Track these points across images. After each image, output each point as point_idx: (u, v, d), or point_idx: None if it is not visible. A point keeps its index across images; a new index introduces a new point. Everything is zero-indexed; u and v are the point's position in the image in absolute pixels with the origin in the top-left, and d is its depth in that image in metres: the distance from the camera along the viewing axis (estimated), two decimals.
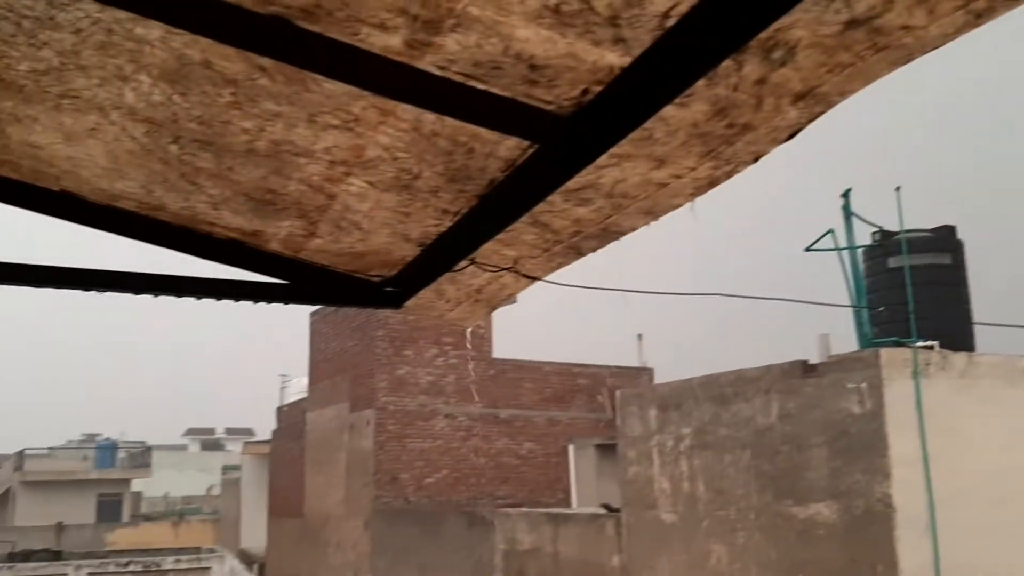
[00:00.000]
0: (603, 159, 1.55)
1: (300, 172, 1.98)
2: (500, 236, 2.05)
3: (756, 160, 1.51)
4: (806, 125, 1.42)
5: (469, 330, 18.22)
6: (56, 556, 18.13)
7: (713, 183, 1.59)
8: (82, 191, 2.35)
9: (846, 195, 9.67)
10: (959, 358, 8.16)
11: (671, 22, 1.24)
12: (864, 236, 11.07)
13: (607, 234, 1.89)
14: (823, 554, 8.10)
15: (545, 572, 12.11)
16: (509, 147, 1.65)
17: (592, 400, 20.08)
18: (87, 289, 2.43)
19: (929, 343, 8.78)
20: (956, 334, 11.04)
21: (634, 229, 1.85)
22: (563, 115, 1.49)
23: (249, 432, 58.19)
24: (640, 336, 21.38)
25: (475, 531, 14.12)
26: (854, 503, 7.84)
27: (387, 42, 1.40)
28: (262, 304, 2.64)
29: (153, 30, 1.52)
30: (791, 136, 1.45)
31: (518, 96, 1.47)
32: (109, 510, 38.07)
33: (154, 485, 46.73)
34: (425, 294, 2.60)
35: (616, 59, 1.33)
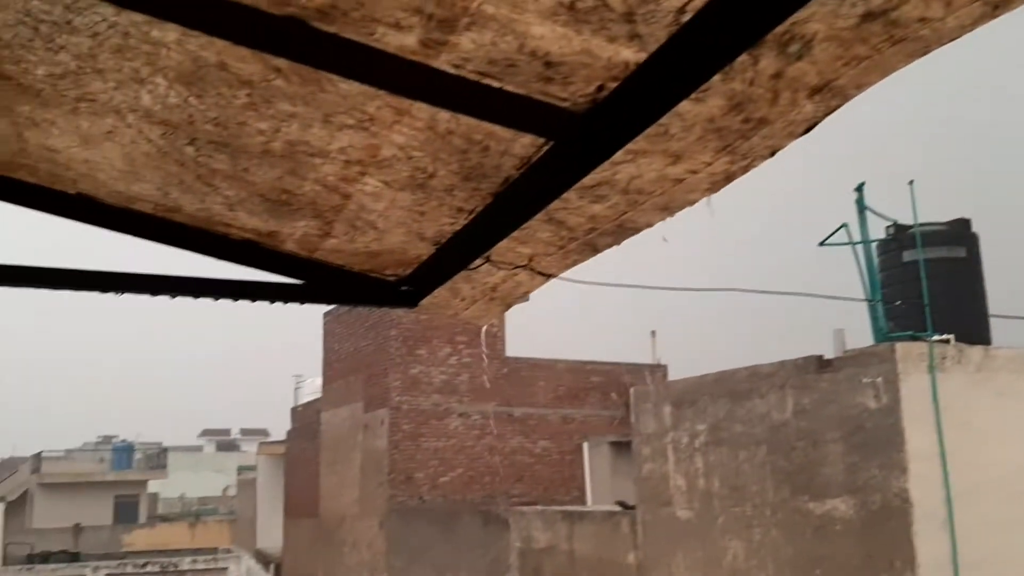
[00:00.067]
0: (618, 155, 1.55)
1: (315, 172, 1.99)
2: (515, 234, 2.05)
3: (772, 154, 1.51)
4: (822, 119, 1.41)
5: (484, 328, 18.24)
6: (74, 558, 18.24)
7: (729, 178, 1.59)
8: (99, 194, 2.37)
9: (859, 189, 9.63)
10: (975, 352, 8.12)
11: (686, 17, 1.24)
12: (878, 230, 11.03)
13: (622, 230, 1.89)
14: (840, 550, 8.08)
15: (561, 570, 12.12)
16: (524, 145, 1.65)
17: (606, 398, 20.06)
18: (105, 291, 2.45)
19: (945, 337, 8.74)
20: (972, 328, 10.98)
21: (650, 225, 1.85)
22: (578, 112, 1.49)
23: (264, 433, 58.42)
24: (653, 333, 21.36)
25: (490, 530, 14.13)
26: (871, 498, 7.81)
27: (402, 41, 1.40)
28: (278, 304, 2.65)
29: (169, 33, 1.52)
30: (807, 130, 1.44)
31: (533, 93, 1.47)
32: (126, 511, 38.29)
33: (170, 486, 46.99)
34: (440, 293, 2.61)
35: (631, 55, 1.33)
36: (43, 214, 2.44)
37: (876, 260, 10.75)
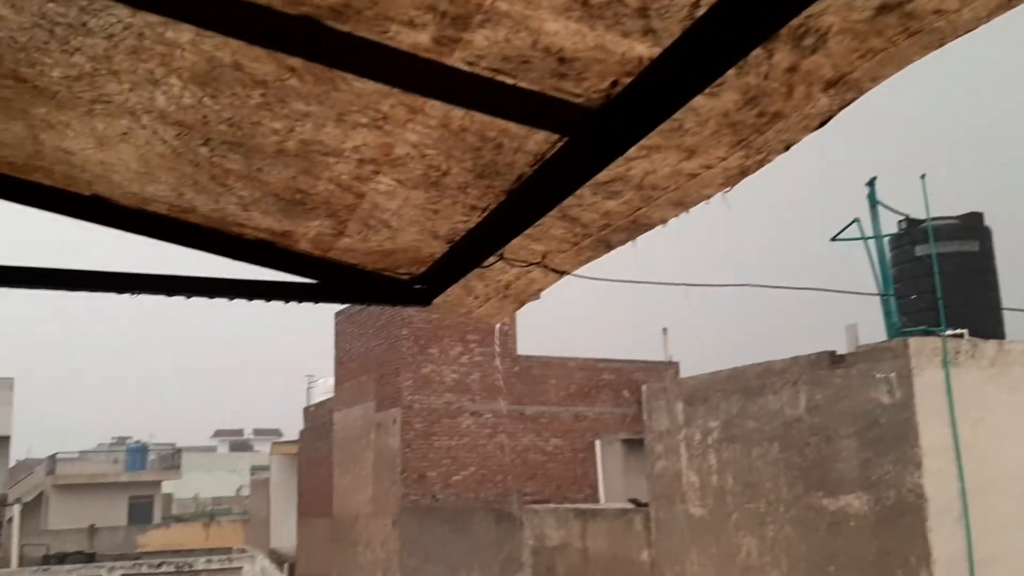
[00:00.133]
0: (633, 151, 1.55)
1: (329, 172, 1.99)
2: (529, 231, 2.05)
3: (787, 149, 1.50)
4: (837, 112, 1.41)
5: (498, 327, 18.25)
6: (90, 558, 18.34)
7: (744, 173, 1.59)
8: (114, 195, 2.38)
9: (871, 184, 9.59)
10: (989, 346, 8.08)
11: (701, 11, 1.24)
12: (890, 225, 10.98)
13: (637, 226, 1.89)
14: (854, 546, 8.05)
15: (574, 568, 12.11)
16: (538, 141, 1.65)
17: (618, 395, 20.04)
18: (120, 292, 2.46)
19: (958, 331, 8.70)
20: (985, 322, 10.94)
21: (664, 221, 1.84)
22: (592, 108, 1.49)
23: (277, 433, 58.59)
24: (665, 330, 21.32)
25: (503, 528, 14.14)
26: (885, 494, 7.78)
27: (416, 39, 1.40)
28: (292, 304, 2.66)
29: (184, 33, 1.53)
30: (822, 124, 1.44)
31: (547, 90, 1.48)
32: (140, 512, 38.45)
33: (184, 487, 47.17)
34: (453, 291, 2.61)
35: (646, 50, 1.33)
36: (59, 216, 2.46)
37: (888, 255, 10.72)
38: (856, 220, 9.45)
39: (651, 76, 1.37)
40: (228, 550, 19.60)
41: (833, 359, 8.44)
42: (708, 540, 9.73)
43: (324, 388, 25.05)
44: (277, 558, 24.91)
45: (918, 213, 10.76)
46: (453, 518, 16.48)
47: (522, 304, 2.63)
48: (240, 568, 16.11)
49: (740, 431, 9.35)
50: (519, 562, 13.51)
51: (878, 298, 9.63)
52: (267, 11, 1.37)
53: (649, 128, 1.46)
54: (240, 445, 70.00)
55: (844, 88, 1.35)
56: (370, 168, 1.94)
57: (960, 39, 1.29)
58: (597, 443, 17.81)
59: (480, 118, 1.62)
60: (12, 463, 30.38)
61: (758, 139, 1.48)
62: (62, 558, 18.39)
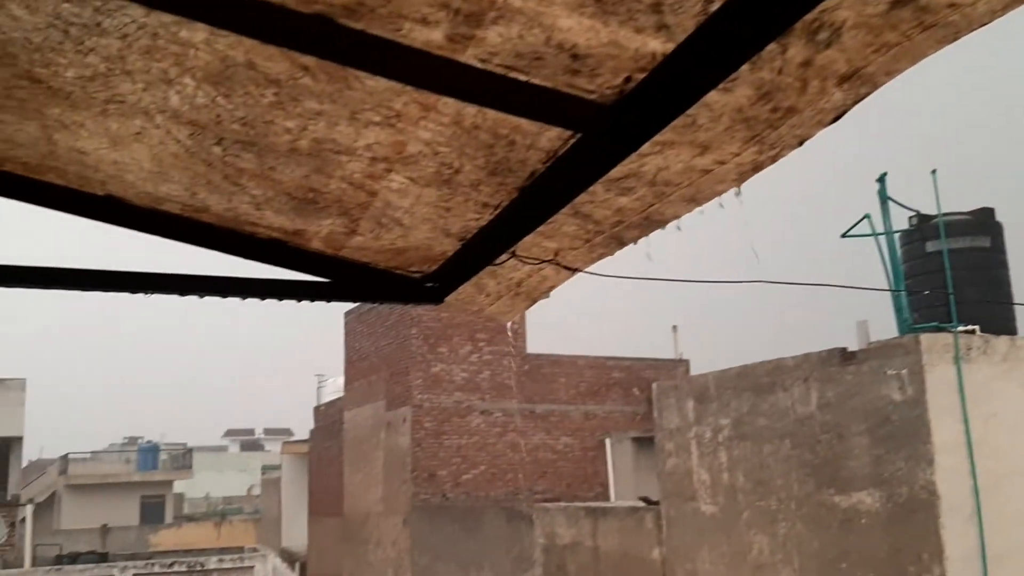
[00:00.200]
0: (646, 147, 1.55)
1: (342, 170, 2.00)
2: (541, 228, 2.06)
3: (801, 144, 1.50)
4: (852, 107, 1.41)
5: (510, 325, 18.26)
6: (102, 558, 18.42)
7: (757, 168, 1.58)
8: (127, 195, 2.39)
9: (881, 180, 9.56)
10: (1001, 342, 8.05)
11: (714, 6, 1.24)
12: (901, 221, 10.94)
13: (649, 223, 1.89)
14: (866, 543, 8.03)
15: (585, 566, 12.12)
16: (550, 138, 1.65)
17: (628, 393, 20.03)
18: (134, 292, 2.47)
19: (970, 327, 8.67)
20: (997, 317, 10.90)
21: (677, 217, 1.84)
22: (605, 104, 1.49)
23: (287, 432, 58.72)
24: (675, 328, 21.30)
25: (514, 526, 14.15)
26: (897, 491, 7.76)
27: (429, 37, 1.40)
28: (305, 303, 2.67)
29: (198, 33, 1.54)
30: (836, 119, 1.44)
31: (560, 86, 1.48)
32: (152, 512, 38.61)
33: (195, 486, 47.35)
34: (465, 289, 2.61)
35: (659, 46, 1.33)
36: (72, 216, 2.47)
37: (899, 251, 10.68)
38: (867, 216, 9.43)
39: (664, 72, 1.37)
40: (240, 549, 19.67)
41: (844, 356, 8.42)
42: (719, 538, 9.72)
43: (334, 387, 25.10)
44: (288, 557, 24.98)
45: (929, 209, 10.73)
46: (463, 517, 16.50)
47: (534, 302, 2.64)
48: (252, 567, 16.16)
49: (751, 428, 9.34)
50: (530, 560, 13.52)
51: (889, 295, 9.60)
52: (281, 10, 1.38)
53: (662, 124, 1.46)
54: (251, 445, 70.20)
55: (858, 82, 1.35)
56: (382, 166, 1.94)
57: (974, 33, 1.29)
58: (607, 441, 17.80)
59: (493, 115, 1.62)
60: (24, 463, 30.53)
61: (772, 134, 1.48)
62: (75, 558, 18.48)
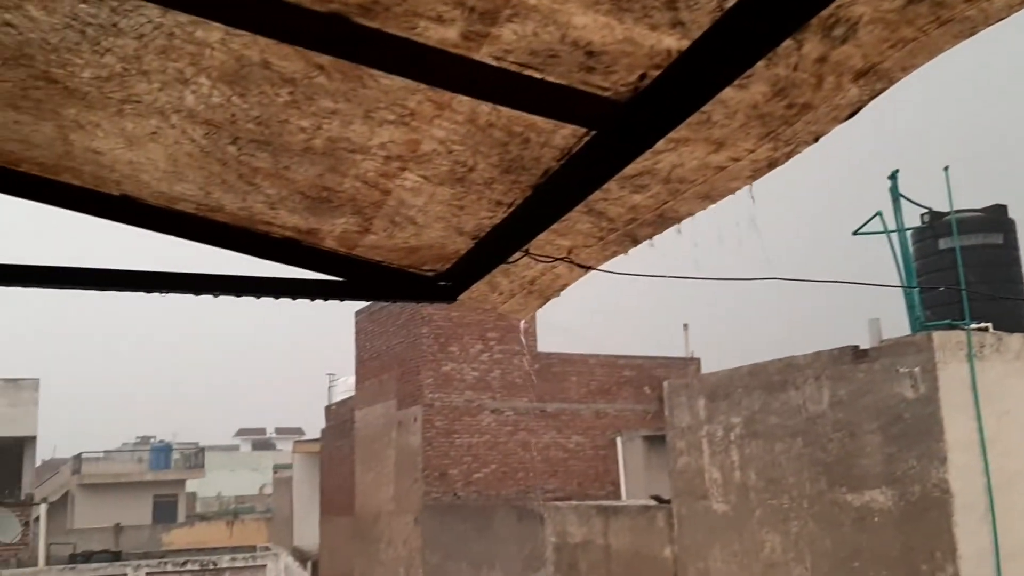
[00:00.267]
0: (660, 144, 1.55)
1: (356, 169, 2.00)
2: (554, 226, 2.06)
3: (816, 140, 1.50)
4: (867, 103, 1.41)
5: (523, 323, 18.26)
6: (116, 557, 18.51)
7: (772, 165, 1.58)
8: (142, 195, 2.40)
9: (893, 177, 9.52)
10: (1014, 339, 8.01)
11: (730, 3, 1.24)
12: (913, 218, 10.90)
13: (663, 220, 1.89)
14: (879, 541, 8.01)
15: (597, 565, 12.11)
16: (565, 135, 1.66)
17: (639, 392, 20.01)
18: (149, 291, 2.48)
19: (983, 325, 8.63)
20: (1010, 315, 10.84)
21: (691, 214, 1.84)
22: (620, 101, 1.49)
23: (299, 431, 58.85)
24: (686, 326, 21.27)
25: (525, 525, 14.15)
26: (910, 489, 7.74)
27: (444, 35, 1.41)
28: (318, 302, 2.68)
29: (213, 32, 1.54)
30: (852, 114, 1.43)
31: (574, 83, 1.48)
32: (165, 511, 38.76)
33: (208, 485, 47.49)
34: (478, 287, 2.62)
35: (674, 42, 1.33)
36: (87, 216, 2.48)
37: (912, 248, 10.64)
38: (879, 214, 9.39)
39: (680, 69, 1.37)
40: (252, 548, 19.74)
41: (856, 354, 8.40)
42: (731, 536, 9.71)
43: (345, 387, 25.15)
44: (300, 556, 25.05)
45: (941, 206, 10.68)
46: (475, 515, 16.52)
47: (547, 300, 2.64)
48: (264, 566, 16.22)
49: (763, 427, 9.32)
50: (541, 559, 13.52)
51: (901, 293, 9.56)
52: (297, 9, 1.38)
53: (677, 121, 1.46)
54: (262, 444, 70.39)
55: (874, 78, 1.35)
56: (396, 165, 1.94)
57: (991, 27, 1.28)
58: (618, 440, 17.79)
59: (507, 113, 1.62)
60: (38, 463, 30.71)
61: (787, 131, 1.48)
62: (88, 557, 18.57)
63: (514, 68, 1.46)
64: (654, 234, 1.99)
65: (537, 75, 1.47)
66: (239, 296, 2.52)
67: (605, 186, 1.76)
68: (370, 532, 20.65)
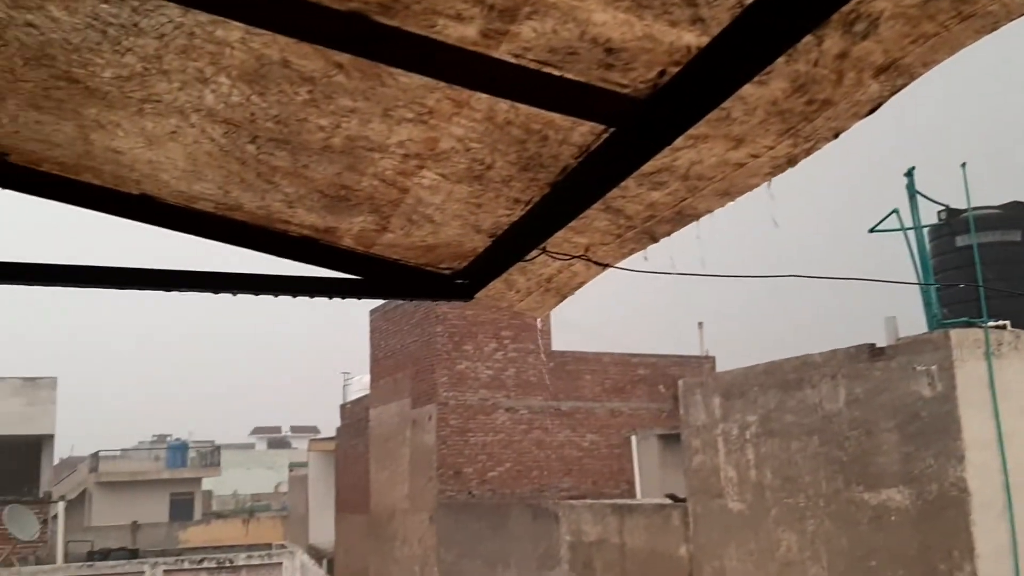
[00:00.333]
0: (679, 141, 1.55)
1: (374, 167, 2.01)
2: (572, 224, 2.06)
3: (836, 136, 1.49)
4: (888, 98, 1.40)
5: (539, 321, 18.26)
6: (133, 554, 18.63)
7: (792, 161, 1.58)
8: (161, 194, 2.42)
9: (910, 174, 9.46)
10: None
11: None
12: (930, 215, 10.83)
13: (681, 217, 1.89)
14: (896, 540, 7.97)
15: (612, 563, 12.10)
16: (583, 133, 1.66)
17: (653, 390, 19.97)
18: (169, 290, 2.50)
19: (1001, 322, 8.57)
20: None
21: (709, 211, 1.84)
22: (639, 98, 1.49)
23: (314, 430, 59.04)
24: (701, 324, 21.22)
25: (540, 523, 14.15)
26: (927, 488, 7.70)
27: (463, 33, 1.41)
28: (336, 300, 2.69)
29: (233, 32, 1.55)
30: (872, 111, 1.43)
31: (593, 80, 1.48)
32: (181, 508, 38.96)
33: (224, 483, 47.70)
34: (495, 285, 2.62)
35: (694, 39, 1.33)
36: (107, 215, 2.50)
37: (928, 246, 10.58)
38: (895, 211, 9.34)
39: (699, 65, 1.37)
40: (268, 546, 19.82)
41: (873, 352, 8.35)
42: (747, 535, 9.68)
43: (360, 385, 25.21)
44: (316, 554, 25.14)
45: (958, 203, 10.61)
46: (489, 514, 16.53)
47: (564, 298, 2.64)
48: (280, 564, 16.29)
49: (778, 425, 9.29)
50: (556, 558, 13.52)
51: (918, 292, 9.51)
52: (317, 7, 1.39)
53: (696, 118, 1.46)
54: (278, 442, 70.68)
55: (895, 74, 1.34)
56: (414, 163, 1.95)
57: (1013, 22, 1.28)
58: (633, 438, 17.76)
59: (525, 110, 1.62)
60: (56, 461, 30.91)
61: (807, 127, 1.47)
62: (106, 554, 18.70)
63: (533, 66, 1.46)
64: (672, 231, 1.99)
65: (556, 72, 1.47)
66: (257, 295, 2.53)
67: (623, 183, 1.76)
68: (385, 530, 20.70)
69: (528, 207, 2.06)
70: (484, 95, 1.60)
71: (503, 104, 1.62)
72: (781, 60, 1.32)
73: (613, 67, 1.43)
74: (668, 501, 11.58)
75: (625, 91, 1.48)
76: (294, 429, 74.85)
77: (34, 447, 25.99)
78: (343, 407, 26.88)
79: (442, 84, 1.59)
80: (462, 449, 18.39)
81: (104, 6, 1.55)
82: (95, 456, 40.72)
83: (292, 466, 40.54)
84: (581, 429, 19.35)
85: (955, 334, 7.69)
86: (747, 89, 1.39)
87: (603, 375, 19.78)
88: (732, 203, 1.79)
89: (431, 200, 2.13)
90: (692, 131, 1.51)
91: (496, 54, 1.45)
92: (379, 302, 20.91)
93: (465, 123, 1.72)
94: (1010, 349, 7.78)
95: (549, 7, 1.32)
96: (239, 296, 2.61)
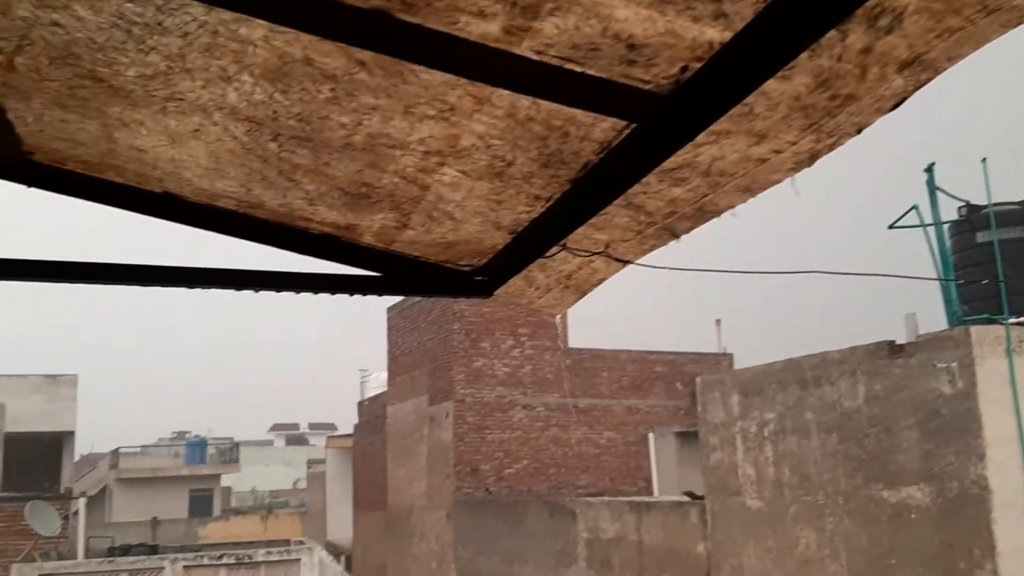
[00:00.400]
0: (701, 137, 1.54)
1: (395, 164, 2.02)
2: (592, 220, 2.06)
3: (859, 132, 1.49)
4: (912, 93, 1.39)
5: (559, 318, 18.25)
6: (153, 550, 18.76)
7: (814, 157, 1.57)
8: (183, 192, 2.43)
9: (930, 170, 9.39)
10: None
11: None
12: (950, 211, 10.75)
13: (703, 213, 1.88)
14: (916, 539, 7.92)
15: (630, 561, 12.09)
16: (604, 129, 1.66)
17: (671, 388, 19.93)
18: (192, 287, 2.52)
19: (1022, 319, 8.49)
20: None
21: (731, 207, 1.83)
22: (661, 94, 1.48)
23: (332, 427, 59.25)
24: (718, 321, 21.15)
25: (557, 520, 14.16)
26: (947, 486, 7.64)
27: (485, 29, 1.41)
28: (356, 297, 2.70)
29: (257, 30, 1.56)
30: (896, 106, 1.42)
31: (615, 77, 1.48)
32: (200, 505, 39.21)
33: (242, 480, 47.99)
34: (515, 282, 2.62)
35: (716, 34, 1.32)
36: (130, 213, 2.52)
37: (948, 242, 10.50)
38: (915, 207, 9.27)
39: (722, 61, 1.36)
40: (286, 542, 19.92)
41: (892, 349, 8.30)
42: (765, 532, 9.65)
43: (377, 382, 25.29)
44: (334, 550, 25.24)
45: (979, 199, 10.52)
46: (506, 511, 16.54)
47: (583, 295, 2.64)
48: (299, 560, 16.37)
49: (797, 422, 9.25)
50: (573, 555, 13.52)
51: (938, 289, 9.44)
52: (340, 5, 1.40)
53: (719, 113, 1.46)
54: (296, 439, 71.02)
55: (919, 69, 1.34)
56: (435, 160, 1.95)
57: None
58: (650, 436, 17.73)
59: (547, 107, 1.62)
60: (77, 458, 31.19)
61: (830, 122, 1.47)
62: (126, 550, 18.84)
63: (555, 62, 1.46)
64: (693, 228, 1.99)
65: (578, 69, 1.47)
66: (279, 291, 2.55)
67: (644, 179, 1.76)
68: (402, 527, 20.76)
69: (549, 204, 2.06)
70: (506, 92, 1.60)
71: (524, 101, 1.63)
72: (804, 55, 1.31)
73: (635, 63, 1.43)
74: (686, 499, 11.55)
75: (647, 87, 1.48)
76: (312, 426, 75.16)
77: (55, 444, 26.23)
78: (361, 404, 26.97)
79: (464, 81, 1.59)
80: (479, 446, 18.42)
81: (129, 5, 1.56)
82: (115, 453, 41.05)
83: (310, 463, 40.74)
84: (598, 426, 19.34)
85: (975, 331, 7.63)
86: (770, 84, 1.38)
87: (620, 372, 19.76)
88: (753, 199, 1.79)
89: (451, 197, 2.14)
90: (714, 127, 1.51)
91: (518, 51, 1.45)
92: (397, 299, 20.95)
93: (486, 120, 1.73)
94: None
95: (572, 3, 1.32)
96: (260, 293, 2.62)
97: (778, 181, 1.68)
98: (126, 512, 35.55)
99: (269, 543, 19.73)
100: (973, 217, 11.00)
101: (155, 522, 29.90)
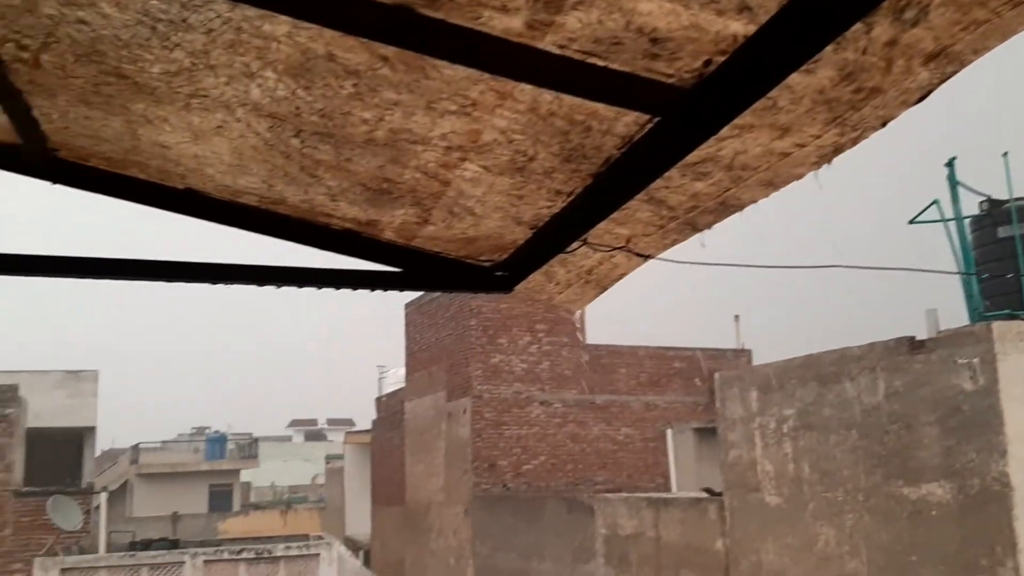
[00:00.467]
0: (724, 131, 1.54)
1: (416, 160, 2.02)
2: (614, 215, 2.05)
3: (884, 125, 1.48)
4: (937, 86, 1.38)
5: (578, 315, 18.25)
6: (174, 544, 18.88)
7: (838, 151, 1.56)
8: (206, 188, 2.45)
9: (951, 164, 9.33)
10: None
11: None
12: (971, 206, 10.66)
13: (725, 208, 1.88)
14: (936, 536, 7.87)
15: (648, 557, 12.08)
16: (627, 123, 1.65)
17: (689, 384, 19.88)
18: (215, 282, 2.53)
19: None
20: None
21: (753, 202, 1.83)
22: (684, 87, 1.48)
23: (350, 423, 59.43)
24: (737, 317, 21.08)
25: (575, 516, 14.16)
26: (968, 482, 7.60)
27: (508, 24, 1.41)
28: (376, 292, 2.71)
29: (280, 26, 1.57)
30: (921, 99, 1.41)
31: (638, 70, 1.47)
32: (220, 500, 39.46)
33: (262, 475, 48.24)
34: (535, 277, 2.62)
35: (741, 28, 1.32)
36: (153, 209, 2.54)
37: (969, 237, 10.42)
38: (935, 202, 9.21)
39: (746, 54, 1.36)
40: (305, 537, 20.00)
41: (913, 345, 8.25)
42: (784, 529, 9.62)
43: (395, 378, 25.36)
44: (352, 545, 25.35)
45: (1001, 193, 10.44)
46: (524, 507, 16.56)
47: (604, 290, 2.63)
48: (317, 555, 16.45)
49: (816, 419, 9.21)
50: (591, 551, 13.52)
51: (959, 284, 9.38)
52: (363, 1, 1.40)
53: (742, 107, 1.45)
54: (314, 435, 71.33)
55: (945, 61, 1.33)
56: (457, 155, 1.96)
57: None
58: (668, 432, 17.70)
59: (569, 101, 1.62)
60: (98, 453, 31.41)
61: (854, 116, 1.46)
62: (147, 544, 18.97)
63: (578, 56, 1.46)
64: (715, 222, 1.98)
65: (601, 63, 1.47)
66: (300, 287, 2.56)
67: (667, 174, 1.75)
68: (420, 522, 20.82)
69: (570, 198, 2.06)
70: (528, 86, 1.60)
71: (547, 95, 1.63)
72: (829, 48, 1.31)
73: (658, 57, 1.43)
74: (704, 495, 11.53)
75: (670, 81, 1.48)
76: (330, 422, 75.43)
77: (76, 439, 26.44)
78: (379, 400, 27.05)
79: (486, 76, 1.60)
80: (497, 442, 18.44)
81: (154, 2, 1.57)
82: (136, 448, 41.34)
83: (329, 458, 40.89)
84: (616, 422, 19.33)
85: (997, 327, 7.58)
86: (794, 78, 1.38)
87: (638, 368, 19.73)
88: (776, 193, 1.78)
89: (473, 192, 2.14)
90: (737, 121, 1.50)
91: (541, 45, 1.45)
92: (415, 295, 21.00)
93: (508, 115, 1.73)
94: None
95: None
96: (281, 289, 2.64)
97: (801, 175, 1.67)
98: (147, 507, 35.83)
99: (288, 538, 19.83)
100: (994, 212, 10.91)
101: (175, 517, 30.12)
